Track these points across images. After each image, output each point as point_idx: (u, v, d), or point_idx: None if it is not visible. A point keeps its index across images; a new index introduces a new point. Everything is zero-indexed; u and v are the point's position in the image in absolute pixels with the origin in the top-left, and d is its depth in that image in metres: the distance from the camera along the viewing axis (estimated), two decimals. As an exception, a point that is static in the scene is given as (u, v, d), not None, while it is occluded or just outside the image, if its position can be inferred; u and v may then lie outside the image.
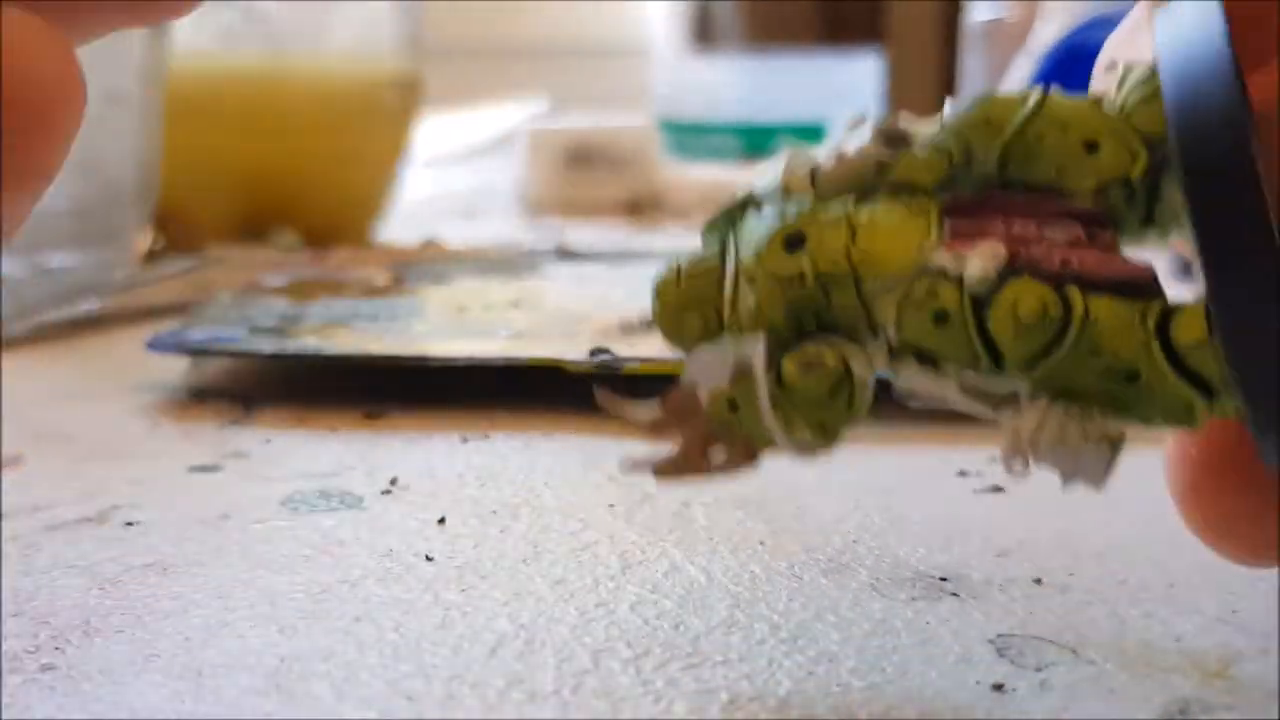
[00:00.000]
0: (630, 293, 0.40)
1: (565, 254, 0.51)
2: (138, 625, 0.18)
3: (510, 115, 0.99)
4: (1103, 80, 0.16)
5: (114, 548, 0.21)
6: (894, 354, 0.15)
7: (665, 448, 0.17)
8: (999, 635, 0.18)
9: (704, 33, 1.64)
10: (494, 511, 0.23)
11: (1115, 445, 0.15)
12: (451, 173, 0.90)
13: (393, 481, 0.25)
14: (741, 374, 0.16)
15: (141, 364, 0.33)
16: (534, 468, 0.26)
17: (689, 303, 0.16)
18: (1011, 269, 0.15)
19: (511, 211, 0.72)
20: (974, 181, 0.16)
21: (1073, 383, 0.15)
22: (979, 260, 0.15)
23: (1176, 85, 0.14)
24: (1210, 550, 0.17)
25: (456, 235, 0.57)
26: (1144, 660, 0.17)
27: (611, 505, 0.23)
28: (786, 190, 0.16)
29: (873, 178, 0.16)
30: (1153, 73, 0.15)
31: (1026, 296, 0.15)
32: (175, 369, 0.33)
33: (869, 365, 0.16)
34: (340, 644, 0.17)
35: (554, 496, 0.24)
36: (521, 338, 0.33)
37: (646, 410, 0.17)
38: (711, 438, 0.16)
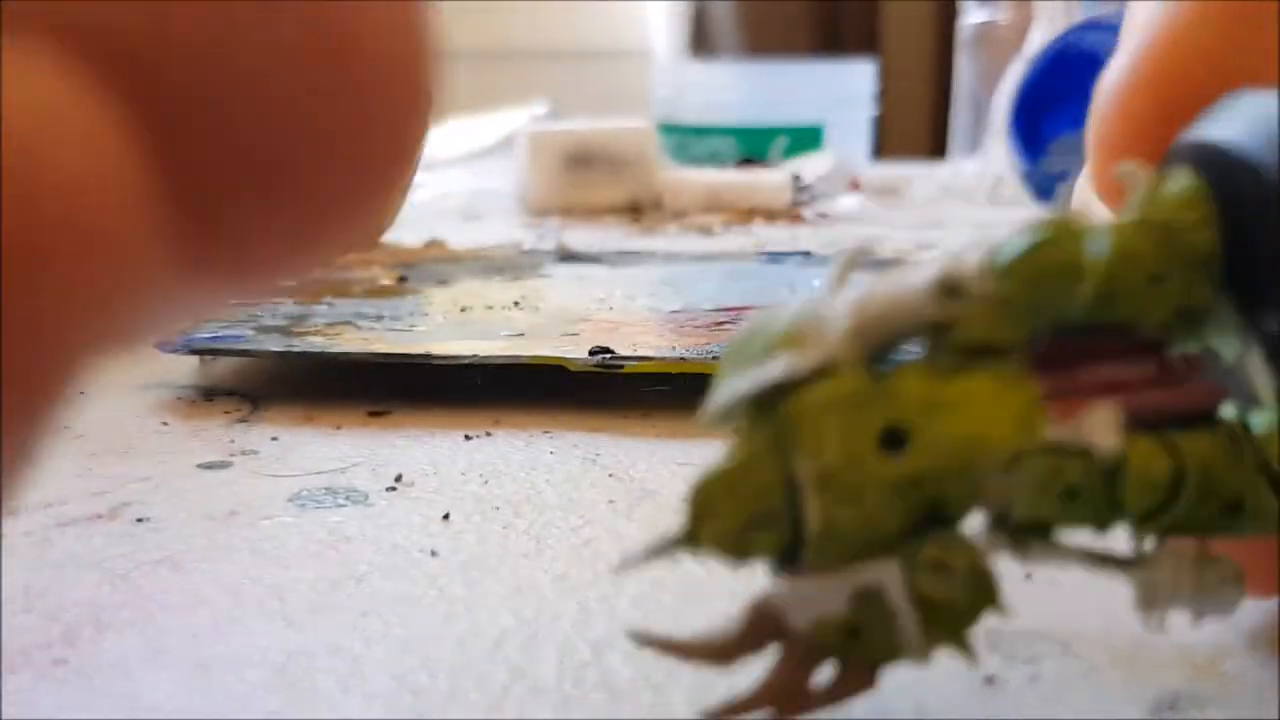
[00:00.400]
0: (629, 292, 0.41)
1: (566, 255, 0.51)
2: (148, 620, 0.18)
3: (511, 118, 0.99)
4: (1104, 183, 0.16)
5: (124, 544, 0.21)
6: (1013, 533, 0.14)
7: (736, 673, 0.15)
8: (990, 629, 0.18)
9: (702, 38, 1.64)
10: (497, 508, 0.23)
11: (1242, 578, 0.15)
12: (453, 175, 0.90)
13: (397, 478, 0.25)
14: (867, 600, 0.14)
15: (151, 363, 0.33)
16: (536, 465, 0.26)
17: (754, 521, 0.14)
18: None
19: (512, 213, 0.72)
20: (1046, 327, 0.14)
21: (1184, 524, 0.15)
22: (1107, 433, 0.14)
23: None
24: None
25: (459, 237, 0.58)
26: (1135, 655, 0.17)
27: (612, 502, 0.24)
28: (835, 368, 0.14)
29: (931, 335, 0.14)
30: (1199, 195, 0.14)
31: (1155, 460, 0.14)
32: (184, 368, 0.34)
33: (988, 556, 0.14)
34: (346, 639, 0.18)
35: (555, 493, 0.24)
36: (523, 337, 0.33)
37: (704, 636, 0.15)
38: (814, 660, 0.15)
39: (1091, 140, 0.16)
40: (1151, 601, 0.15)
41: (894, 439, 0.14)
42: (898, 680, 0.17)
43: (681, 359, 0.29)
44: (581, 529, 0.22)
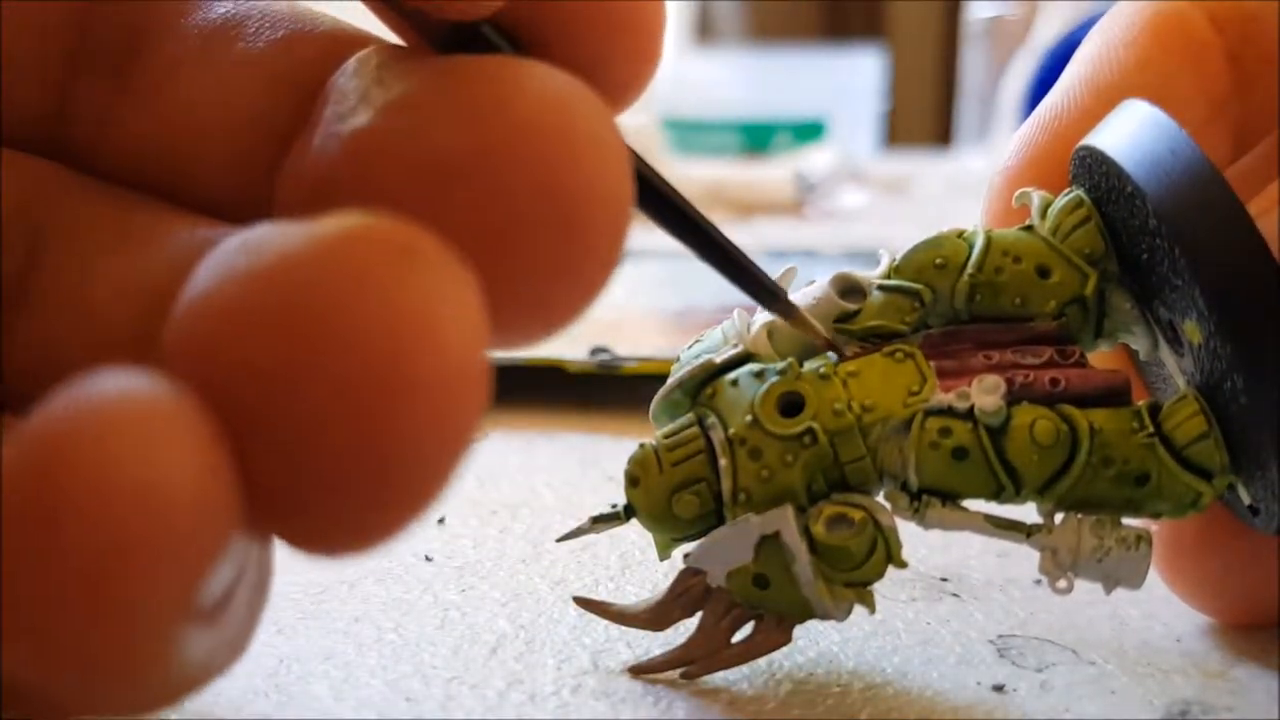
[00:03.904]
0: (630, 291, 0.40)
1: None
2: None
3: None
4: (1010, 209, 0.17)
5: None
6: (914, 498, 0.16)
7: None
8: (1000, 636, 0.18)
9: (705, 29, 1.64)
10: (494, 511, 0.23)
11: (1149, 543, 0.16)
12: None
13: (393, 481, 0.25)
14: (767, 546, 0.15)
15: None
16: (534, 467, 0.26)
17: (679, 483, 0.16)
18: (1011, 397, 0.15)
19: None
20: (939, 319, 0.16)
21: (1089, 495, 0.15)
22: (986, 394, 0.15)
23: (1167, 188, 0.15)
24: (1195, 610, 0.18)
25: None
26: (1145, 661, 0.17)
27: (611, 505, 0.23)
28: (751, 356, 0.16)
29: (835, 328, 0.16)
30: (1080, 201, 0.16)
31: (1040, 420, 0.15)
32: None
33: (890, 514, 0.16)
34: (339, 644, 0.17)
35: (554, 496, 0.24)
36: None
37: (640, 604, 0.17)
38: (734, 619, 0.16)
39: (983, 214, 0.19)
40: (1056, 565, 0.16)
41: (793, 406, 0.15)
42: (906, 687, 0.16)
43: (682, 358, 0.29)
44: (580, 532, 0.22)
